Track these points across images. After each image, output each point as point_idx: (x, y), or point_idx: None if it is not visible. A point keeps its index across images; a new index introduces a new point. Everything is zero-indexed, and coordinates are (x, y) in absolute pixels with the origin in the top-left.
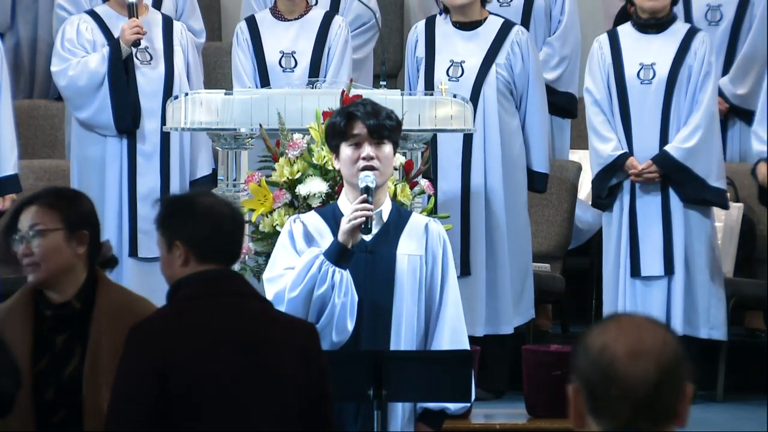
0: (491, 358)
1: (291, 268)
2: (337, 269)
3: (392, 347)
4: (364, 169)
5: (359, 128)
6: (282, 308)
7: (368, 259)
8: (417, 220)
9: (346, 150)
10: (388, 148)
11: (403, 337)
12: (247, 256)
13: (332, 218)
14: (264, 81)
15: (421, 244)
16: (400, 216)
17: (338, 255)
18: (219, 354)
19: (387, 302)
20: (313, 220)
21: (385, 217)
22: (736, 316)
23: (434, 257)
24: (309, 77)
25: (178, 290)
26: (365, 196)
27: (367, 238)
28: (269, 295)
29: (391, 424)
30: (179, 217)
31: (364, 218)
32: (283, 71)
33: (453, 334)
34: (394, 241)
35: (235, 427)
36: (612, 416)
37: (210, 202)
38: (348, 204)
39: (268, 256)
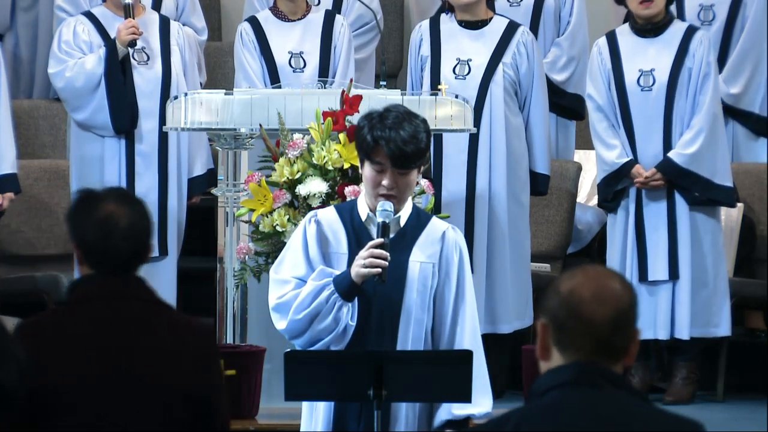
0: (489, 359)
1: (298, 278)
2: (345, 303)
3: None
4: (384, 195)
5: (383, 157)
6: (283, 322)
7: (386, 268)
8: (435, 226)
9: (368, 169)
10: (412, 174)
11: (411, 343)
12: (247, 256)
13: (349, 218)
14: (274, 81)
15: (435, 252)
16: (418, 221)
17: (348, 290)
18: (85, 359)
19: (396, 307)
20: (329, 218)
21: (402, 222)
22: (736, 316)
23: (448, 266)
24: (319, 77)
25: (73, 291)
26: (381, 240)
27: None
28: (271, 300)
29: (394, 426)
30: (77, 218)
31: (379, 269)
32: (293, 71)
33: (471, 342)
34: (408, 248)
35: None
36: (575, 349)
37: (109, 210)
38: (366, 206)
39: (268, 255)
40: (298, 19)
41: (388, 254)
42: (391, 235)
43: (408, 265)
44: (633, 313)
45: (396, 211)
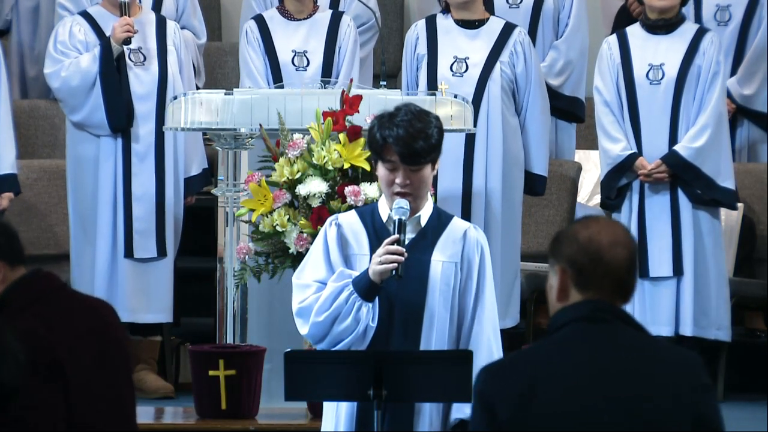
0: None
1: (319, 281)
2: (364, 303)
3: None
4: (398, 194)
5: (393, 155)
6: (305, 326)
7: (402, 263)
8: (456, 225)
9: (381, 169)
10: (424, 170)
11: (434, 343)
12: (247, 256)
13: (370, 220)
14: (277, 80)
15: (457, 251)
16: (439, 221)
17: (367, 290)
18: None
19: (419, 308)
20: (350, 220)
21: (423, 222)
22: (736, 316)
23: (470, 264)
24: (322, 76)
25: (10, 303)
26: (396, 237)
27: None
28: (294, 305)
29: (418, 427)
30: None
31: (395, 264)
32: (296, 70)
33: (489, 342)
34: (429, 247)
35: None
36: (596, 290)
37: None
38: (386, 207)
39: (268, 256)
40: (304, 19)
41: (404, 249)
42: (413, 235)
43: (430, 265)
44: (637, 255)
45: (413, 209)
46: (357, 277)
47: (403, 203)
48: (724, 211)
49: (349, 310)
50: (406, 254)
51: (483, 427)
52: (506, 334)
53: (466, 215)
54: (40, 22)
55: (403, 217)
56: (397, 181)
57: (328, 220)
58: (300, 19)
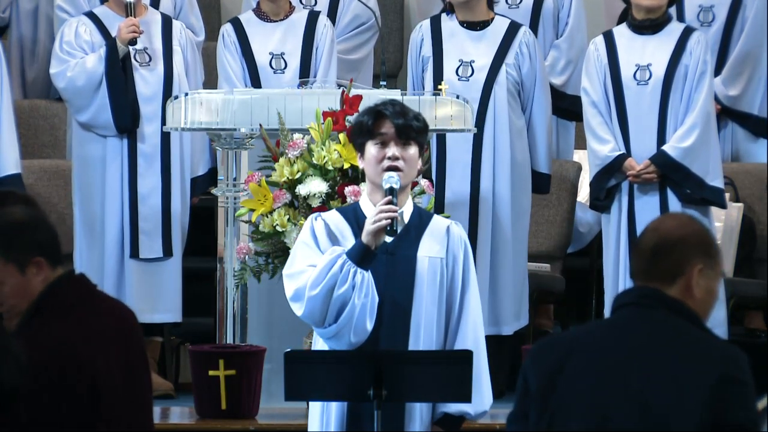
0: (490, 359)
1: (313, 266)
2: (359, 270)
3: (411, 349)
4: (389, 169)
5: (386, 127)
6: (301, 305)
7: (389, 260)
8: (438, 222)
9: (371, 149)
10: (413, 149)
11: (422, 338)
12: (247, 256)
13: (353, 218)
14: (255, 82)
15: (442, 246)
16: (421, 218)
17: (361, 256)
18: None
19: (407, 304)
20: (334, 218)
21: (406, 219)
22: (736, 316)
23: (455, 259)
24: (300, 78)
25: (49, 305)
26: (390, 197)
27: (389, 239)
28: (288, 291)
29: (409, 426)
30: (24, 233)
31: (389, 220)
32: (274, 72)
33: (474, 337)
34: (415, 243)
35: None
36: (635, 274)
37: (22, 210)
38: (370, 204)
39: (268, 256)
40: (281, 20)
41: (396, 207)
42: (398, 229)
43: (417, 260)
44: (683, 246)
45: (401, 187)
46: (350, 248)
47: (394, 174)
48: (724, 211)
49: (345, 277)
50: (398, 212)
51: (519, 400)
52: (506, 336)
53: (474, 219)
54: (40, 23)
55: (395, 186)
56: (389, 154)
57: (310, 216)
58: (276, 21)
